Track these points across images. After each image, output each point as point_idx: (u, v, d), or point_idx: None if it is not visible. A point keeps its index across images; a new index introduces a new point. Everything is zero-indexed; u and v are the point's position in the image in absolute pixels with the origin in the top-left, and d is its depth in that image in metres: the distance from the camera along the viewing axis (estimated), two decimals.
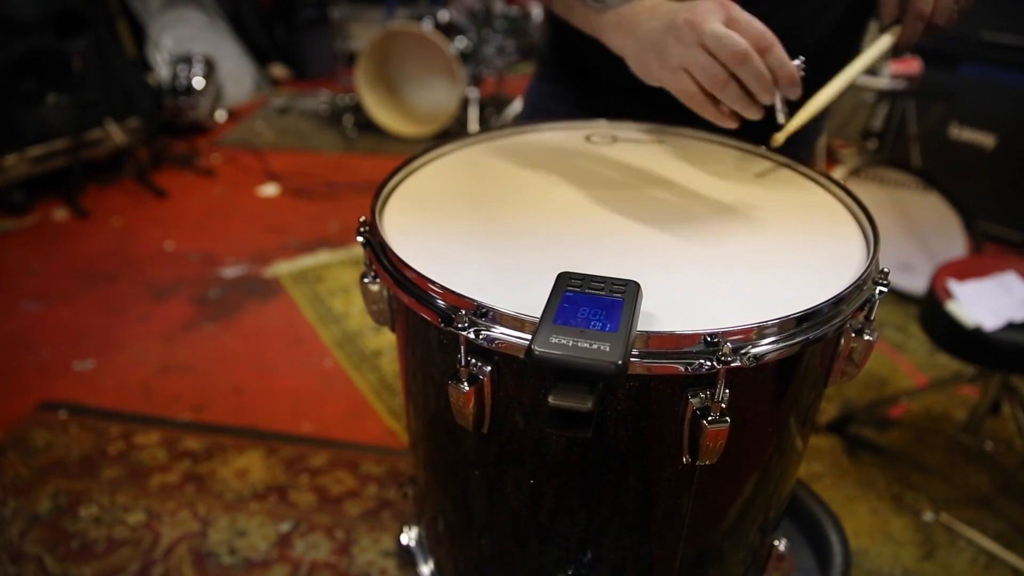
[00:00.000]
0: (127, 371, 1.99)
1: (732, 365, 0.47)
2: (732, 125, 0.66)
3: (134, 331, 2.17)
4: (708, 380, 0.50)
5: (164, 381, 1.95)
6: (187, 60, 3.69)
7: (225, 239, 2.76)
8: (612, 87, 0.89)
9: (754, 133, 0.78)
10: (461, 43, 3.71)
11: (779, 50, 0.62)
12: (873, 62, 0.76)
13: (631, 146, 0.85)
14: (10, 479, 1.60)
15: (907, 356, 2.12)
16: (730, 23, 0.61)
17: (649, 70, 0.67)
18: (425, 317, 0.55)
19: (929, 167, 2.60)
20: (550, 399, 0.44)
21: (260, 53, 4.54)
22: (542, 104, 1.03)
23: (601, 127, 0.89)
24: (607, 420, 0.53)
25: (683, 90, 0.65)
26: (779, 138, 0.67)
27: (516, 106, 3.77)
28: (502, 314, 0.50)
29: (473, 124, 3.67)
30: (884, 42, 0.76)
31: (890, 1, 0.76)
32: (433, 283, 0.54)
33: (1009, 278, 1.58)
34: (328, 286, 2.44)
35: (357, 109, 3.85)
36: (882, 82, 2.45)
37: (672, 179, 0.77)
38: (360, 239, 0.63)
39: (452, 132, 3.68)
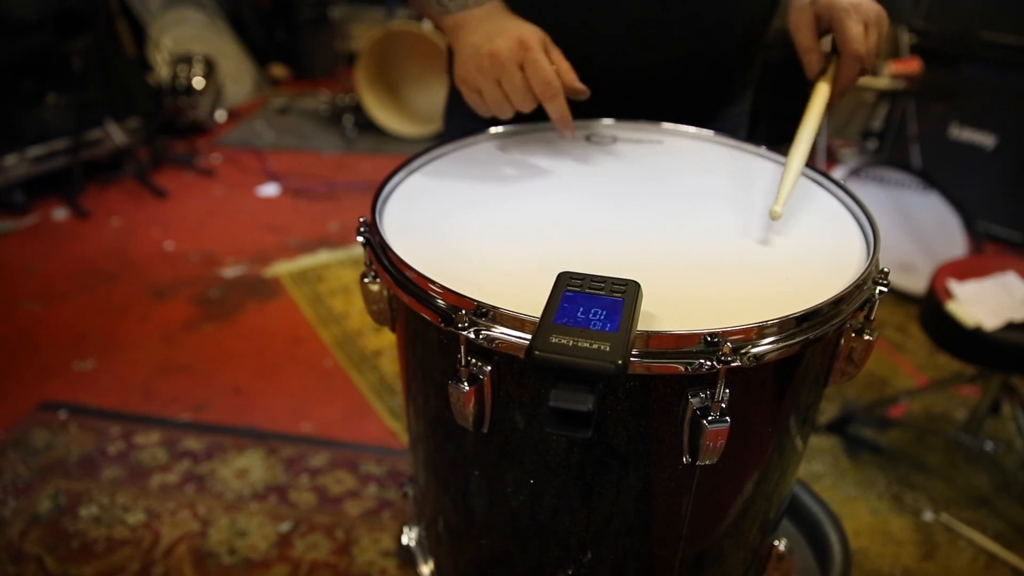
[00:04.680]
0: (127, 371, 1.99)
1: (732, 365, 0.47)
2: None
3: (134, 331, 2.18)
4: (708, 380, 0.50)
5: (164, 381, 1.95)
6: (187, 60, 3.69)
7: (225, 239, 2.76)
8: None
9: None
10: None
11: (557, 99, 0.72)
12: (821, 117, 0.74)
13: (631, 146, 0.85)
14: (10, 479, 1.60)
15: (907, 356, 2.12)
16: (524, 64, 0.70)
17: (458, 73, 0.76)
18: (425, 317, 0.55)
19: (929, 167, 2.60)
20: (550, 399, 0.44)
21: (260, 53, 4.54)
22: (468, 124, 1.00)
23: (602, 127, 0.89)
24: (607, 420, 0.53)
25: (472, 101, 0.76)
26: (776, 210, 0.65)
27: None
28: (502, 314, 0.50)
29: None
30: (823, 92, 0.75)
31: (812, 51, 0.76)
32: (433, 283, 0.54)
33: (1009, 278, 1.58)
34: (328, 286, 2.44)
35: (357, 109, 3.85)
36: (882, 82, 2.45)
37: (672, 179, 0.77)
38: (360, 239, 0.63)
39: None
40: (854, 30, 0.72)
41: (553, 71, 0.71)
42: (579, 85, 0.74)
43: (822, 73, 0.77)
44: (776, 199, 0.65)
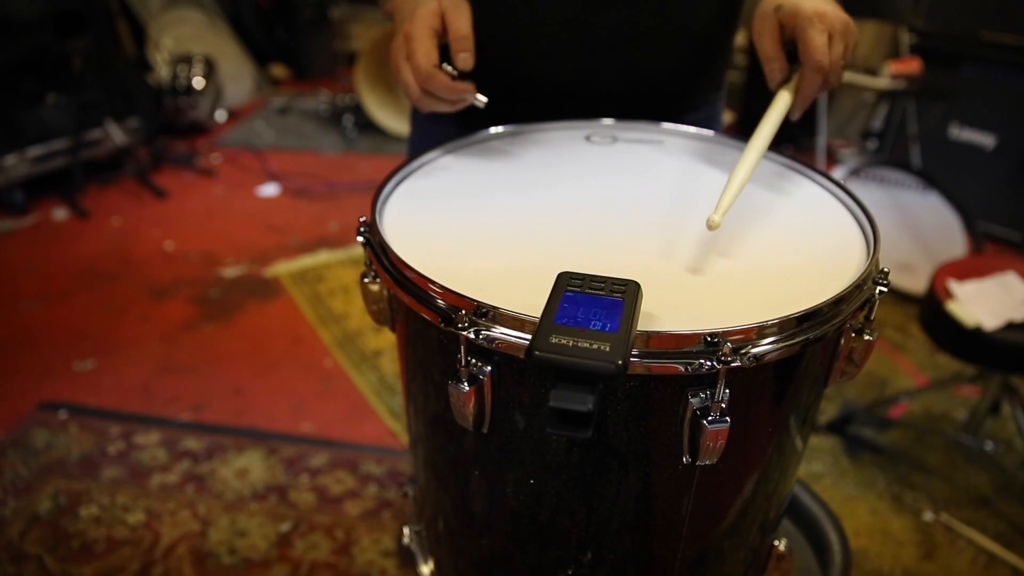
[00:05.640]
0: (127, 371, 1.99)
1: (732, 365, 0.47)
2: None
3: (134, 331, 2.18)
4: (708, 380, 0.50)
5: (164, 381, 1.95)
6: (187, 60, 3.69)
7: (225, 239, 2.76)
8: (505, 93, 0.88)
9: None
10: None
11: (431, 83, 0.71)
12: (777, 126, 0.70)
13: (631, 146, 0.85)
14: (10, 479, 1.60)
15: (907, 356, 2.12)
16: (409, 56, 0.71)
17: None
18: (425, 317, 0.54)
19: (929, 167, 2.60)
20: (550, 399, 0.44)
21: (260, 53, 4.54)
22: (429, 129, 0.97)
23: (601, 127, 0.89)
24: (607, 420, 0.53)
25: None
26: (714, 219, 0.60)
27: None
28: (502, 314, 0.50)
29: None
30: (784, 100, 0.72)
31: (774, 60, 0.72)
32: (433, 283, 0.54)
33: (1009, 278, 1.58)
34: (328, 286, 2.44)
35: (357, 109, 3.85)
36: (882, 82, 2.45)
37: (672, 179, 0.77)
38: (360, 239, 0.63)
39: None
40: (817, 40, 0.67)
41: (425, 54, 0.70)
42: (461, 62, 0.72)
43: (785, 82, 0.73)
44: (716, 207, 0.60)
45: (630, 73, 0.86)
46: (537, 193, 0.73)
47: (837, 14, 0.69)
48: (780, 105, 0.72)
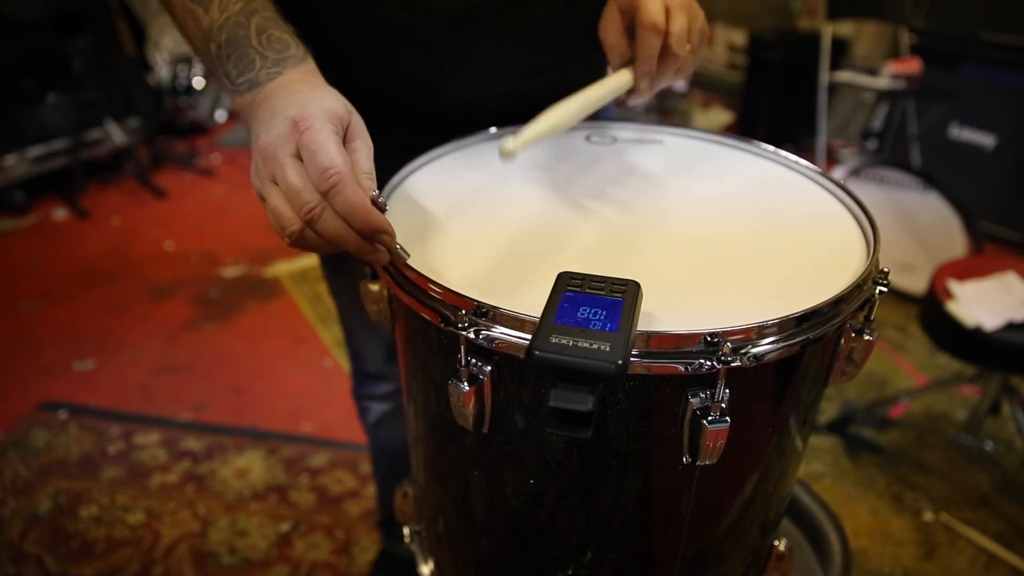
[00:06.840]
0: (127, 371, 1.99)
1: (732, 365, 0.47)
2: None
3: (134, 331, 2.18)
4: (708, 380, 0.50)
5: (164, 381, 1.95)
6: (187, 60, 3.69)
7: (225, 239, 2.76)
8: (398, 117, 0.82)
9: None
10: None
11: (345, 191, 0.51)
12: (603, 96, 0.68)
13: (631, 146, 0.85)
14: (10, 479, 1.60)
15: (907, 356, 2.12)
16: (300, 151, 0.53)
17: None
18: (425, 317, 0.54)
19: (929, 167, 2.60)
20: (550, 399, 0.44)
21: None
22: None
23: (601, 127, 0.89)
24: (607, 420, 0.53)
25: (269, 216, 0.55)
26: (506, 147, 0.55)
27: None
28: (502, 314, 0.50)
29: None
30: (622, 75, 0.71)
31: (614, 47, 0.71)
32: (433, 283, 0.54)
33: (1009, 278, 1.58)
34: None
35: None
36: (882, 82, 2.45)
37: (672, 179, 0.77)
38: None
39: None
40: (651, 5, 0.66)
41: (337, 151, 0.52)
42: (374, 218, 0.53)
43: (626, 65, 0.72)
44: (516, 138, 0.56)
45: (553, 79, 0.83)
46: (537, 193, 0.73)
47: None
48: (616, 76, 0.71)
